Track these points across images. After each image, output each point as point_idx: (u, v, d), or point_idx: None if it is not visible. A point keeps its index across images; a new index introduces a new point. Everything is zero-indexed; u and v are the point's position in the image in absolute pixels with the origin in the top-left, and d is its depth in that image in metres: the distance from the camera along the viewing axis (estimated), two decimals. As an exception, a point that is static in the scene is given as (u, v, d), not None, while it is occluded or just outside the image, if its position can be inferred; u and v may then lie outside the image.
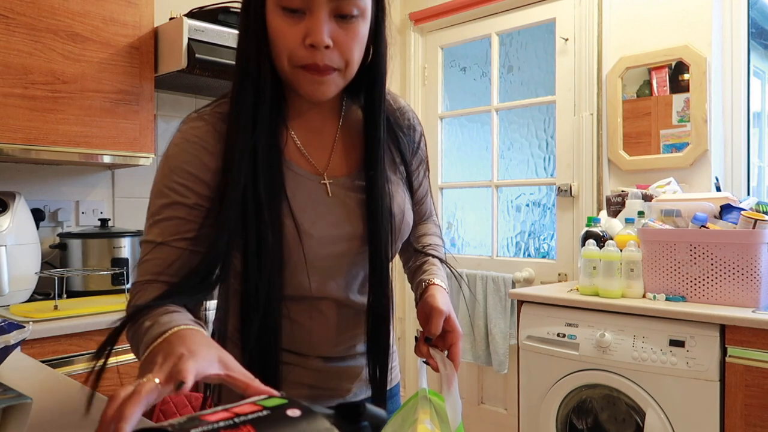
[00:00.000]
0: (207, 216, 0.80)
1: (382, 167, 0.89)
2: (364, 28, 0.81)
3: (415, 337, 0.91)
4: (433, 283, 0.94)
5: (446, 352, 0.89)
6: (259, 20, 0.80)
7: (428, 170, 1.05)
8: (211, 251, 0.78)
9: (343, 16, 0.78)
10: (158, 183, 0.82)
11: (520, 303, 2.15)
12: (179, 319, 0.69)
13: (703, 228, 1.85)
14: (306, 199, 0.86)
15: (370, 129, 0.89)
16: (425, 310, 0.90)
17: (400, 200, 0.93)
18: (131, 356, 1.80)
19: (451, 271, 1.02)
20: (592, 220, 2.17)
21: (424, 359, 0.89)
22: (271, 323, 0.82)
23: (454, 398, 0.86)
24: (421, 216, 1.08)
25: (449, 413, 0.87)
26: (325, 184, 0.88)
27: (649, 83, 2.38)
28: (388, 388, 1.01)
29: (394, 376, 1.06)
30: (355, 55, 0.81)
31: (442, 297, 0.91)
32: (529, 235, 3.06)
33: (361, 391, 0.98)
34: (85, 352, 1.71)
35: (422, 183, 1.03)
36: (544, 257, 2.91)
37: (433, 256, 1.02)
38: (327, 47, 0.77)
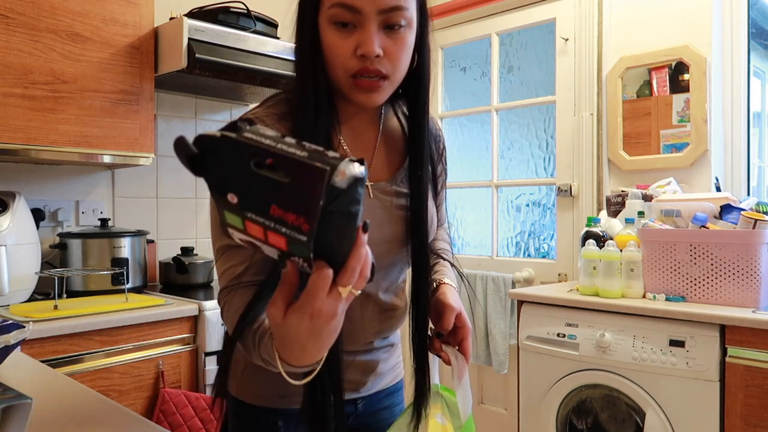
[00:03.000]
0: None
1: (427, 167, 0.93)
2: (410, 37, 0.85)
3: (428, 335, 0.95)
4: (444, 283, 0.99)
5: (457, 347, 0.94)
6: (314, 36, 0.84)
7: (446, 179, 1.10)
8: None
9: (391, 27, 0.82)
10: None
11: (520, 303, 2.15)
12: None
13: (703, 228, 1.85)
14: None
15: (415, 130, 0.93)
16: (437, 307, 0.94)
17: (430, 205, 0.97)
18: (129, 356, 1.80)
19: (459, 274, 1.06)
20: (592, 220, 2.17)
21: (437, 354, 0.94)
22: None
23: (465, 391, 0.91)
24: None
25: (459, 405, 0.91)
26: (368, 186, 0.92)
27: (649, 83, 2.38)
28: (393, 383, 1.08)
29: (398, 372, 1.09)
30: (402, 63, 0.85)
31: (452, 295, 0.96)
32: (529, 235, 3.06)
33: (375, 385, 1.02)
34: (85, 352, 1.71)
35: (441, 190, 1.09)
36: (544, 257, 2.91)
37: (444, 259, 1.07)
38: (377, 56, 0.81)
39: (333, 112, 0.90)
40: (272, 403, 0.95)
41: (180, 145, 0.52)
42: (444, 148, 1.06)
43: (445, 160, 1.07)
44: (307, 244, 0.50)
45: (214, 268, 0.88)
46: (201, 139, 0.53)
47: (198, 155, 0.53)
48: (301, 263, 0.53)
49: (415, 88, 0.92)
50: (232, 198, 0.53)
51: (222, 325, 1.02)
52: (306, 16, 0.85)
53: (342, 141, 0.92)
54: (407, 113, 0.95)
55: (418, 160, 0.92)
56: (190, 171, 0.53)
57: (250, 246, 0.55)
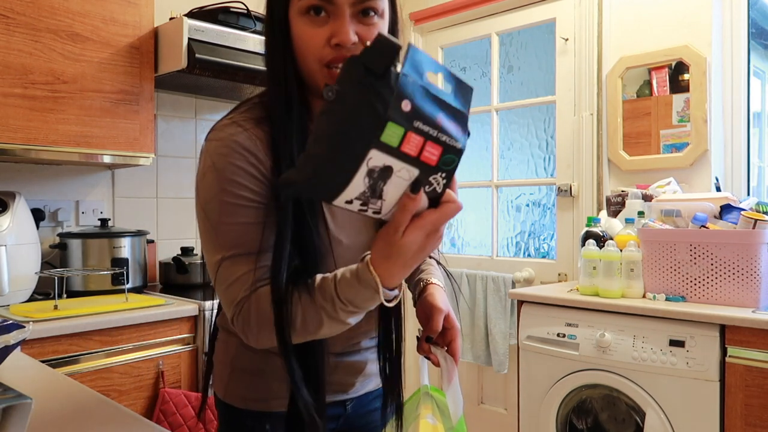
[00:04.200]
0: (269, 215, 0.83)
1: None
2: (383, 27, 0.85)
3: (417, 337, 0.94)
4: (432, 283, 0.98)
5: (446, 348, 0.92)
6: (283, 29, 0.83)
7: None
8: (277, 257, 0.81)
9: (363, 16, 0.82)
10: (216, 197, 0.83)
11: (520, 303, 2.15)
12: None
13: (703, 228, 1.85)
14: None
15: None
16: (425, 308, 0.93)
17: None
18: (129, 356, 1.80)
19: (446, 273, 1.05)
20: (592, 220, 2.17)
21: (426, 356, 0.92)
22: None
23: (455, 392, 0.89)
24: None
25: (450, 407, 0.89)
26: None
27: (649, 83, 2.38)
28: None
29: None
30: None
31: (440, 296, 0.94)
32: (529, 235, 3.06)
33: (363, 386, 1.01)
34: (85, 352, 1.71)
35: None
36: (544, 257, 2.91)
37: (430, 257, 1.06)
38: (353, 44, 0.81)
39: (305, 109, 0.89)
40: (259, 406, 0.94)
41: (387, 46, 0.57)
42: None
43: None
44: (460, 150, 0.60)
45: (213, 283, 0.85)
46: (393, 46, 0.58)
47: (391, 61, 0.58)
48: (436, 185, 0.63)
49: None
50: (406, 105, 0.57)
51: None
52: (276, 10, 0.84)
53: None
54: None
55: None
56: (377, 70, 0.57)
57: (380, 174, 0.59)
